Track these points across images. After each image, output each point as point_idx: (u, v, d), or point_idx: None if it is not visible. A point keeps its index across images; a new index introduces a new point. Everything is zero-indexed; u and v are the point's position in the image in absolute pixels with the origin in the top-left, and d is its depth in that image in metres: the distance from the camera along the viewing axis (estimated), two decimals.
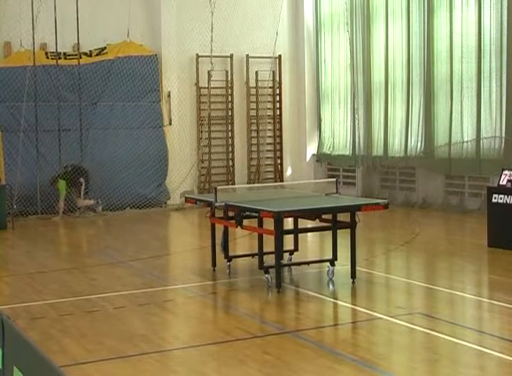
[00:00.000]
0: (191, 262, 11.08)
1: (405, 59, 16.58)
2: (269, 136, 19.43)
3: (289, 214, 9.14)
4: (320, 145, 19.51)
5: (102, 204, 16.31)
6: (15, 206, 15.08)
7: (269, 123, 19.40)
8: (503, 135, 14.50)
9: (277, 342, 6.75)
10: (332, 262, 9.28)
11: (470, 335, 6.81)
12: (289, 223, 10.49)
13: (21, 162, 15.68)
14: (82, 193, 15.98)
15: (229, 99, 18.83)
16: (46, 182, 15.85)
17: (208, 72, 18.18)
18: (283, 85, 19.46)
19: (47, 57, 16.59)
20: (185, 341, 6.96)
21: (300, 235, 10.38)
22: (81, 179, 15.93)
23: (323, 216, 9.37)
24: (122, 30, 17.21)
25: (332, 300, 8.47)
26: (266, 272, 8.90)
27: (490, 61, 14.67)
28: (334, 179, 10.77)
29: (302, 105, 19.68)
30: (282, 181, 19.05)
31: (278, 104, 19.49)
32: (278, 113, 19.50)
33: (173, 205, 17.42)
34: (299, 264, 9.76)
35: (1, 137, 15.37)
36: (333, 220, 9.23)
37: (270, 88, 19.28)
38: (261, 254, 8.94)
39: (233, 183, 18.43)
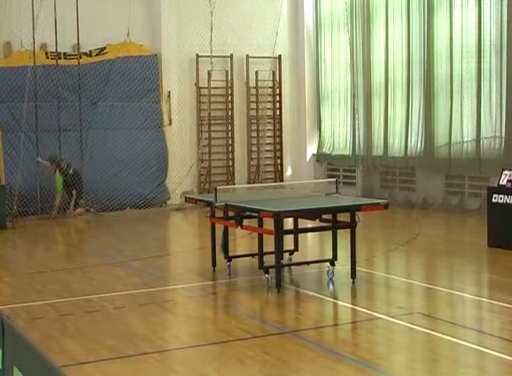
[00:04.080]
0: (191, 262, 11.08)
1: (405, 59, 16.58)
2: (269, 136, 19.42)
3: (289, 214, 9.14)
4: (320, 145, 19.51)
5: (94, 210, 16.28)
6: (15, 206, 15.08)
7: (269, 123, 19.40)
8: (503, 135, 14.50)
9: (277, 342, 6.75)
10: (332, 262, 9.28)
11: (470, 335, 6.81)
12: (289, 223, 10.49)
13: (21, 162, 15.67)
14: (72, 205, 16.01)
15: (229, 99, 18.83)
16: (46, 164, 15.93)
17: (208, 72, 18.18)
18: (283, 85, 19.46)
19: (47, 57, 16.59)
20: (185, 341, 6.96)
21: (300, 235, 10.39)
22: (74, 191, 15.95)
23: (323, 216, 9.37)
24: (122, 30, 17.21)
25: (332, 300, 8.47)
26: (266, 272, 8.90)
27: (490, 61, 14.67)
28: (334, 179, 10.76)
29: (302, 105, 19.67)
30: (282, 181, 19.04)
31: (278, 104, 19.48)
32: (278, 113, 19.50)
33: (173, 205, 17.41)
34: (299, 264, 9.75)
35: (1, 137, 15.36)
36: (333, 220, 9.23)
37: (270, 88, 19.27)
38: (261, 254, 8.94)
39: (233, 183, 18.43)
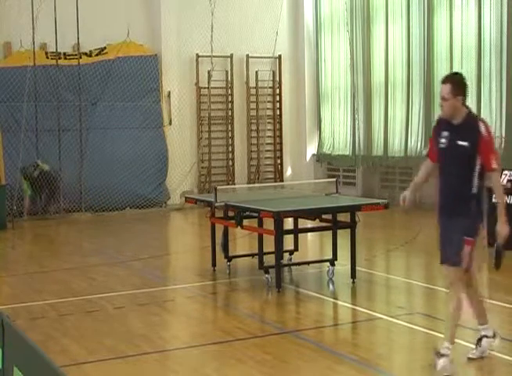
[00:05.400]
0: (191, 262, 11.08)
1: (405, 59, 16.57)
2: (269, 136, 19.42)
3: (289, 214, 9.14)
4: (320, 145, 19.51)
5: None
6: (15, 206, 15.06)
7: (269, 123, 19.40)
8: (503, 135, 14.49)
9: (277, 342, 6.75)
10: (332, 262, 9.29)
11: (470, 335, 6.80)
12: (289, 223, 10.49)
13: (21, 162, 15.64)
14: (43, 201, 15.83)
15: (229, 99, 18.83)
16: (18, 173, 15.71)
17: (208, 72, 18.18)
18: (283, 85, 19.45)
19: (47, 57, 16.58)
20: (185, 341, 6.97)
21: (300, 235, 10.39)
22: (46, 191, 15.75)
23: (323, 216, 9.37)
24: (122, 30, 17.20)
25: (332, 300, 8.48)
26: (266, 272, 8.91)
27: (490, 61, 14.67)
28: (334, 179, 10.76)
29: (302, 105, 19.67)
30: (282, 181, 19.04)
31: (278, 104, 19.48)
32: (278, 113, 19.50)
33: (173, 205, 17.41)
34: (299, 264, 9.76)
35: (1, 137, 15.35)
36: (333, 220, 9.23)
37: (270, 88, 19.27)
38: (261, 254, 8.94)
39: (233, 183, 18.43)
